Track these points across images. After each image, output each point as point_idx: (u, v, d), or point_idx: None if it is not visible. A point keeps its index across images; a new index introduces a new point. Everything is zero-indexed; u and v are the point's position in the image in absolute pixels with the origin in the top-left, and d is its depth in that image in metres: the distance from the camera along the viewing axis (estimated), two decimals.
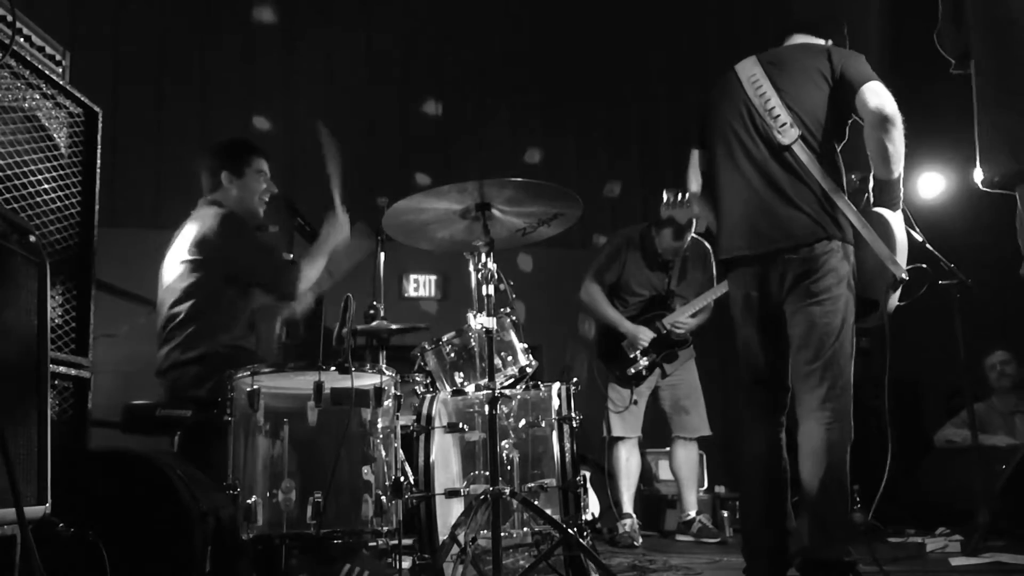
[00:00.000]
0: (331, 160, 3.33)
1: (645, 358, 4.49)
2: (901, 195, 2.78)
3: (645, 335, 4.45)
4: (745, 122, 2.83)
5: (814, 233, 2.67)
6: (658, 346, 4.51)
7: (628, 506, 4.53)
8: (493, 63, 6.71)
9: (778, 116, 2.75)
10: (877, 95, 2.66)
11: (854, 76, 2.72)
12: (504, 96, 6.71)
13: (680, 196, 3.16)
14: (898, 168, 2.70)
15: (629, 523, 4.44)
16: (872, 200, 2.79)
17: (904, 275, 2.70)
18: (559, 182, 2.56)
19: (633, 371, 4.49)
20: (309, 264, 3.23)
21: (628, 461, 4.54)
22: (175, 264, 3.12)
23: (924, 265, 2.88)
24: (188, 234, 3.13)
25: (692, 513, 4.62)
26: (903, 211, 2.82)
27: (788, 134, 2.73)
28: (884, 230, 2.72)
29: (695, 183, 3.04)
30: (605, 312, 4.54)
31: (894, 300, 2.76)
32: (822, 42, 2.94)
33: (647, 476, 5.28)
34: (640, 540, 4.39)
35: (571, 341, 6.38)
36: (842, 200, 2.70)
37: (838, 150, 2.82)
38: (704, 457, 5.79)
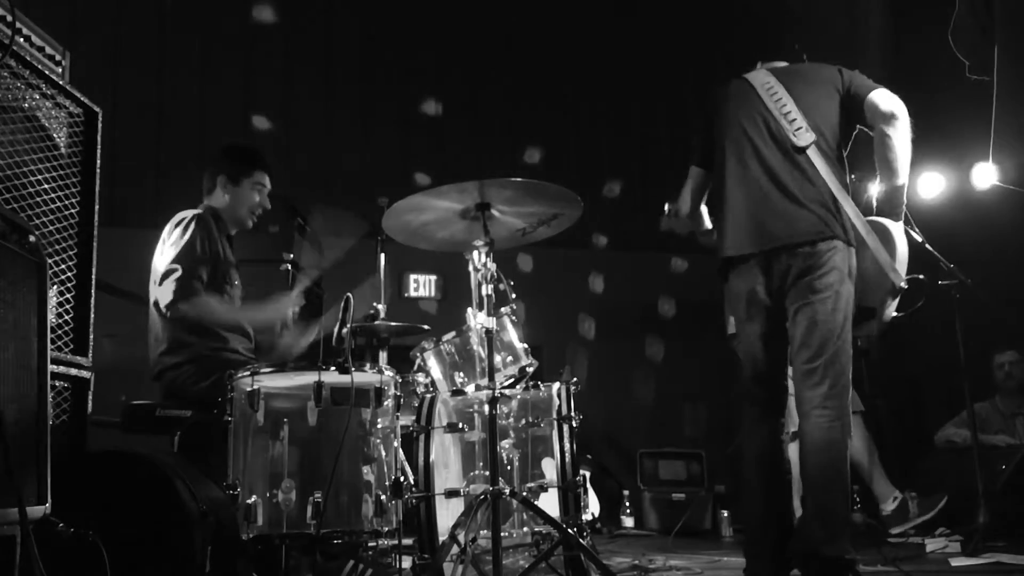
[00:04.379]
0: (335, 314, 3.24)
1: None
2: (904, 204, 2.82)
3: None
4: (759, 127, 2.87)
5: (820, 232, 2.71)
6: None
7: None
8: (493, 61, 6.71)
9: (794, 120, 2.81)
10: (887, 97, 2.77)
11: (861, 87, 2.83)
12: (504, 95, 6.71)
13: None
14: (904, 173, 2.75)
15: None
16: (876, 209, 2.84)
17: (903, 284, 2.72)
18: (559, 182, 2.56)
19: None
20: (224, 308, 3.08)
21: None
22: (156, 269, 3.12)
23: (921, 276, 2.89)
24: (164, 237, 3.14)
25: (896, 497, 4.29)
26: (904, 212, 2.84)
27: (804, 137, 2.79)
28: (885, 238, 2.76)
29: (686, 205, 3.10)
30: None
31: (892, 309, 2.79)
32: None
33: None
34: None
35: (571, 341, 6.41)
36: (849, 204, 2.74)
37: (845, 158, 2.87)
38: (704, 457, 5.79)
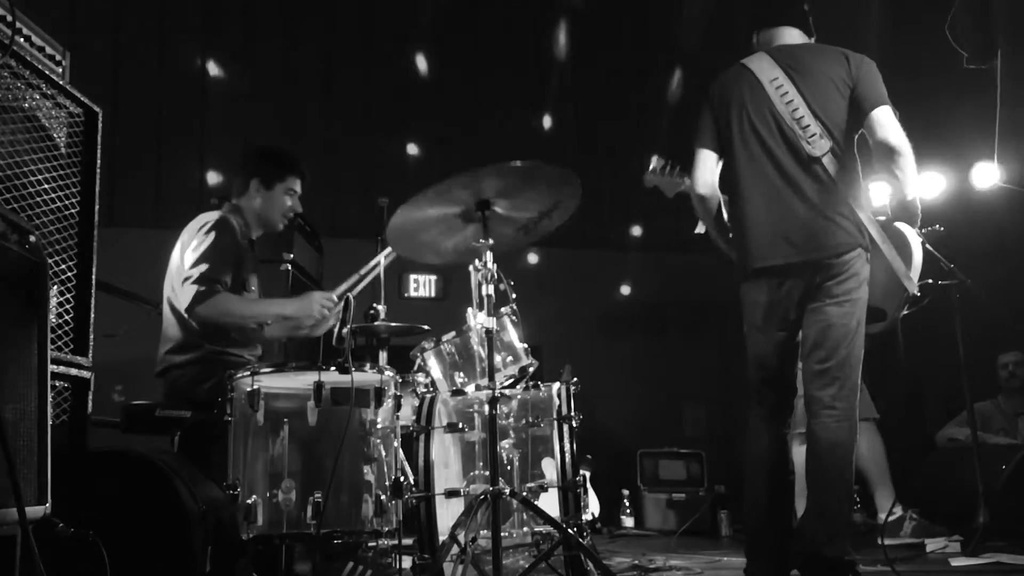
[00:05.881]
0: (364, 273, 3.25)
1: None
2: (919, 213, 2.80)
3: None
4: (771, 128, 2.80)
5: (844, 243, 2.69)
6: None
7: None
8: (492, 56, 6.71)
9: (808, 126, 2.74)
10: (883, 126, 2.70)
11: (866, 95, 2.75)
12: (503, 93, 6.71)
13: (669, 166, 3.06)
14: (910, 191, 2.73)
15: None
16: (891, 214, 2.81)
17: (916, 292, 2.72)
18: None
19: None
20: (244, 303, 3.11)
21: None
22: (178, 269, 3.13)
23: (930, 280, 2.89)
24: (186, 239, 3.14)
25: (897, 511, 4.20)
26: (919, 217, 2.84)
27: (819, 145, 2.73)
28: (901, 244, 2.75)
29: (703, 186, 2.93)
30: None
31: (902, 313, 2.79)
32: (807, 38, 2.97)
33: None
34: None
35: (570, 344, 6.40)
36: (863, 211, 2.72)
37: (857, 157, 2.83)
38: (704, 457, 5.78)
